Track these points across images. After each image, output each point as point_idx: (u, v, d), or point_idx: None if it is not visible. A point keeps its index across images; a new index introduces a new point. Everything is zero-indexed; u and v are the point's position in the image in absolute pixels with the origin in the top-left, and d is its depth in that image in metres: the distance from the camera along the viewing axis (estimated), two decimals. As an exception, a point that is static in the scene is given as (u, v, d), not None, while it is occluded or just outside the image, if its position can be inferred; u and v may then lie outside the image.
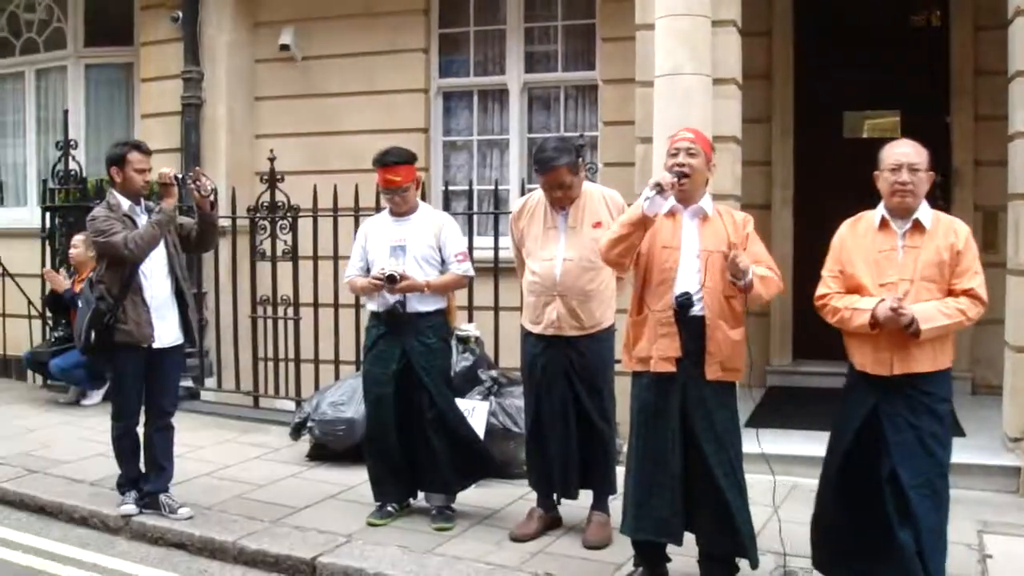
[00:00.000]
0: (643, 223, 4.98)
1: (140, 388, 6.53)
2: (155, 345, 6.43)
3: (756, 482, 5.60)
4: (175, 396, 6.85)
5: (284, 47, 10.97)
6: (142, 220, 6.44)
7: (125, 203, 6.46)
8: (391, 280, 6.19)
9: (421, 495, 6.64)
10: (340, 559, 5.78)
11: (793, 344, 10.22)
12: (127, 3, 12.35)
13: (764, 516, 5.88)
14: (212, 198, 6.60)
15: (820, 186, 9.81)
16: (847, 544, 4.89)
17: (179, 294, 6.59)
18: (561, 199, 5.98)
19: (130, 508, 6.51)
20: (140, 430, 6.58)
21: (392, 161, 6.41)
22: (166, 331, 6.50)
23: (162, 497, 6.54)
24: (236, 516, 6.45)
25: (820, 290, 4.91)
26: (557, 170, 5.90)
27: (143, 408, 6.60)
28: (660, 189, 4.89)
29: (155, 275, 6.46)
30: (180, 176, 6.52)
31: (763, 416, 7.86)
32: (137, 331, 6.33)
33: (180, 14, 11.24)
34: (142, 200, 6.55)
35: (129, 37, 12.52)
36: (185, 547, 6.22)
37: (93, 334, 6.35)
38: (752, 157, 9.24)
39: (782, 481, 6.27)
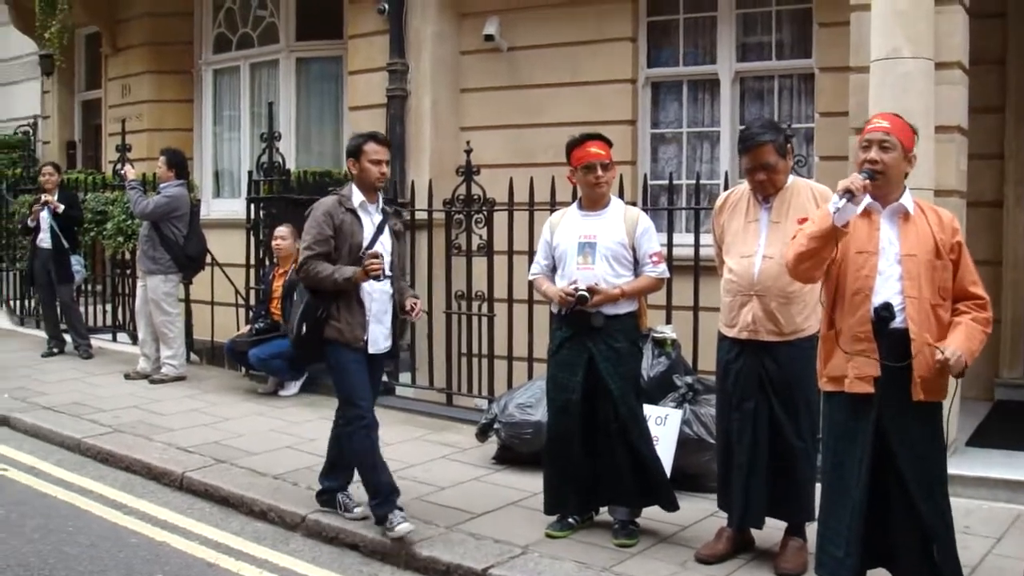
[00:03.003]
0: (834, 235, 4.49)
1: (365, 380, 6.20)
2: (370, 350, 6.17)
3: (974, 509, 5.02)
4: (373, 400, 6.54)
5: (489, 37, 10.82)
6: (371, 220, 6.20)
7: (357, 197, 6.18)
8: (582, 301, 5.83)
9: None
10: (512, 572, 5.48)
11: (1026, 355, 9.37)
12: (337, -2, 12.43)
13: (982, 549, 5.26)
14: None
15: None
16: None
17: (396, 300, 6.33)
18: (764, 183, 5.48)
19: (406, 526, 5.87)
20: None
21: (592, 136, 6.07)
22: (381, 335, 6.25)
23: (339, 495, 6.39)
24: (413, 519, 6.20)
25: None
26: (762, 147, 5.44)
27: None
28: (850, 195, 4.38)
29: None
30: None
31: (988, 435, 7.21)
32: (348, 331, 6.07)
33: (386, 6, 11.26)
34: (379, 198, 6.31)
35: (339, 30, 12.64)
36: (358, 548, 6.06)
37: (305, 327, 6.14)
38: (981, 150, 8.53)
39: (1005, 509, 5.64)
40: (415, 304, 6.36)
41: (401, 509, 6.00)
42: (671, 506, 6.07)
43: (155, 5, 14.70)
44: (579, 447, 6.01)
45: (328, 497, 6.44)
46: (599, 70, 10.36)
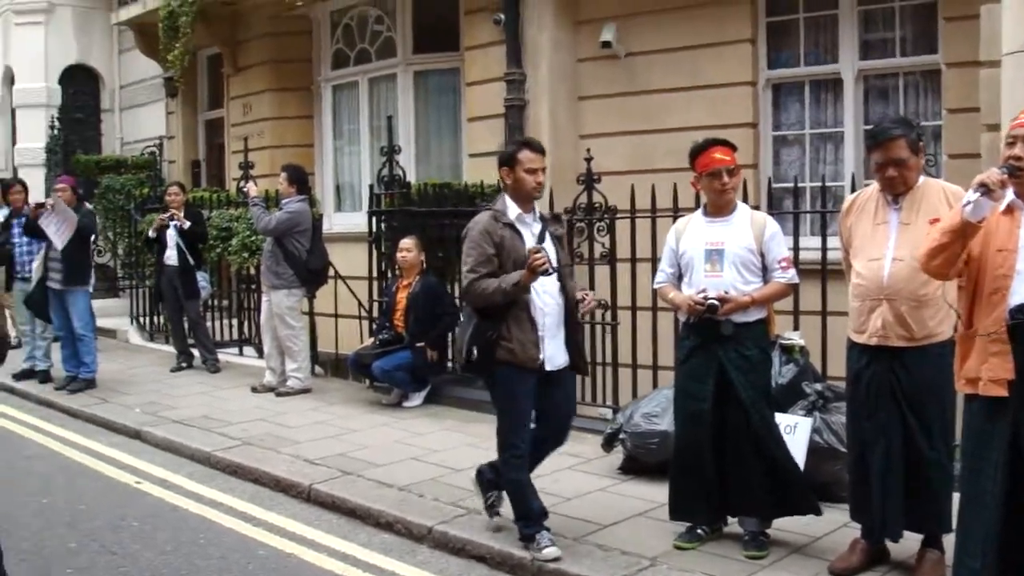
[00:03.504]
0: (964, 230, 4.32)
1: (530, 411, 5.95)
2: (547, 368, 5.87)
3: None
4: (569, 422, 6.33)
5: (606, 44, 10.75)
6: (530, 231, 5.91)
7: (513, 210, 5.89)
8: (712, 310, 5.71)
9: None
10: (641, 585, 5.38)
11: None
12: (453, 9, 12.51)
13: None
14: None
15: None
16: None
17: (569, 310, 6.01)
18: (895, 180, 5.28)
19: (553, 551, 5.73)
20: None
21: (716, 142, 5.94)
22: (558, 351, 5.94)
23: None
24: (539, 531, 6.16)
25: None
26: (894, 141, 5.25)
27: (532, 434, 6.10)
28: (986, 190, 4.19)
29: (546, 290, 5.86)
30: (552, 269, 5.67)
31: None
32: (521, 351, 5.76)
33: (502, 16, 11.26)
34: (536, 208, 6.03)
35: (455, 42, 12.69)
36: (485, 560, 6.00)
37: (475, 350, 5.82)
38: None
39: None
40: (585, 295, 6.12)
41: (548, 530, 5.90)
42: (814, 511, 5.90)
43: (274, 25, 14.95)
44: (708, 457, 5.87)
45: (487, 482, 6.30)
46: (718, 73, 10.22)
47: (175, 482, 7.87)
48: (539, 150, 5.98)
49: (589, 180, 9.04)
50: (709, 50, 10.27)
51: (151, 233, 12.22)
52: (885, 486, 5.29)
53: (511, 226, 5.86)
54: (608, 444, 7.60)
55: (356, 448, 8.34)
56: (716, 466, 5.88)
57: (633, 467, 7.39)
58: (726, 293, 5.73)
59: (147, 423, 9.40)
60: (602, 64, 11.02)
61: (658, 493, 6.61)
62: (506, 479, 6.05)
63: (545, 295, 5.82)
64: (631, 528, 6.27)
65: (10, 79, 19.58)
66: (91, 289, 11.60)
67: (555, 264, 5.75)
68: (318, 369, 11.72)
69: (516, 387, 5.85)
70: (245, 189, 11.37)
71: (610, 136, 10.67)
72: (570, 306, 5.99)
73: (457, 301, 10.21)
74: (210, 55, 17.03)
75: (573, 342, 6.04)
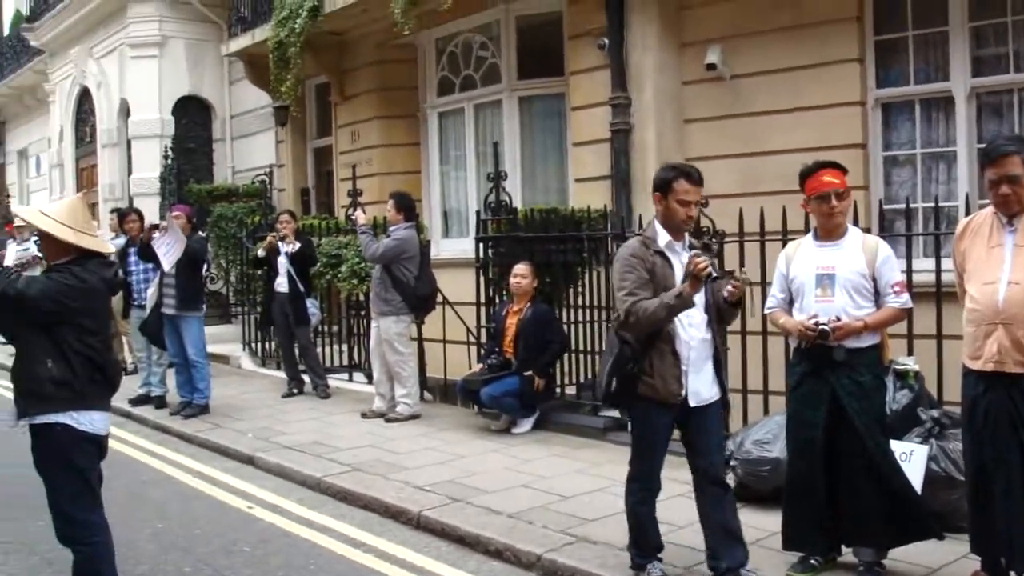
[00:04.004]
0: None
1: (665, 448, 5.80)
2: (691, 403, 5.66)
3: None
4: (721, 456, 6.17)
5: (711, 66, 10.67)
6: (679, 260, 5.62)
7: (663, 237, 5.65)
8: (824, 336, 5.63)
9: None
10: (756, 616, 5.30)
11: None
12: (556, 34, 12.55)
13: None
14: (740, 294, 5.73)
15: None
16: None
17: (715, 344, 5.81)
18: (1009, 199, 5.15)
19: None
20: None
21: (825, 164, 5.88)
22: (703, 385, 5.71)
23: (742, 571, 5.77)
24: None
25: None
26: (1007, 157, 5.14)
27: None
28: None
29: (692, 322, 5.63)
30: (714, 275, 5.47)
31: None
32: (663, 387, 5.55)
33: (606, 41, 11.26)
34: (686, 237, 5.80)
35: (559, 67, 12.73)
36: (595, 590, 5.97)
37: (615, 382, 5.64)
38: None
39: None
40: (734, 284, 5.68)
41: (661, 560, 5.87)
42: (935, 535, 5.77)
43: (380, 53, 15.15)
44: (822, 485, 5.79)
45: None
46: (825, 94, 10.07)
47: (286, 507, 7.98)
48: (697, 181, 5.70)
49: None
50: (816, 70, 10.12)
51: (260, 253, 12.45)
52: (1009, 517, 5.14)
53: (661, 254, 5.65)
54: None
55: (465, 474, 8.37)
56: (829, 494, 5.79)
57: (745, 494, 7.27)
58: (838, 319, 5.64)
59: (259, 448, 9.55)
60: (707, 86, 10.95)
61: (770, 521, 6.52)
62: (630, 507, 5.91)
63: (691, 328, 5.61)
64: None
65: (126, 111, 20.10)
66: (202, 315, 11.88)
67: (715, 273, 5.50)
68: (427, 395, 11.79)
69: (654, 422, 5.70)
70: (354, 217, 11.51)
71: (717, 159, 10.57)
72: (716, 339, 5.82)
73: (565, 328, 10.22)
74: (318, 84, 17.30)
75: (719, 377, 5.82)
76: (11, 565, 6.66)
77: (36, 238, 16.74)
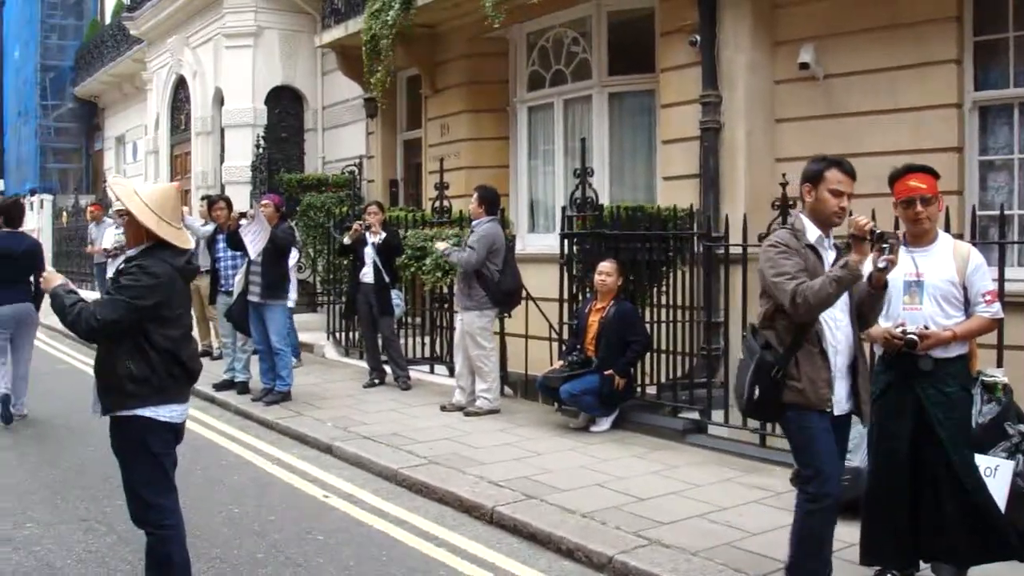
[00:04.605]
0: None
1: (835, 445, 5.37)
2: (835, 412, 5.32)
3: None
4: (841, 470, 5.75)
5: (803, 65, 10.52)
6: (829, 256, 5.41)
7: (812, 231, 5.39)
8: (911, 345, 5.47)
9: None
10: (830, 629, 5.18)
11: None
12: (648, 30, 12.46)
13: None
14: None
15: None
16: None
17: (857, 350, 5.46)
18: None
19: None
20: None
21: (915, 168, 5.66)
22: (844, 393, 5.39)
23: None
24: (721, 566, 6.00)
25: None
26: None
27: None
28: None
29: (839, 323, 5.36)
30: (876, 231, 5.11)
31: None
32: (812, 392, 5.23)
33: (698, 38, 11.16)
34: (831, 232, 5.50)
35: (650, 64, 12.64)
36: (664, 595, 5.89)
37: (757, 390, 5.31)
38: None
39: None
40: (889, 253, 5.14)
41: None
42: (1018, 557, 5.54)
43: (471, 47, 15.17)
44: (903, 498, 5.62)
45: None
46: (921, 95, 9.86)
47: (361, 497, 8.00)
48: (850, 172, 5.42)
49: (784, 205, 8.84)
50: (911, 71, 9.91)
51: (346, 241, 12.52)
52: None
53: (812, 248, 5.36)
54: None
55: (541, 471, 8.32)
56: (911, 508, 5.63)
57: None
58: (925, 327, 5.49)
59: (338, 438, 9.60)
60: (800, 86, 10.78)
61: (848, 532, 6.34)
62: (809, 532, 5.40)
63: (838, 331, 5.34)
64: (819, 568, 6.04)
65: (220, 100, 20.36)
66: (291, 304, 11.98)
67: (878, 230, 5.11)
68: (507, 390, 11.77)
69: (813, 424, 5.28)
70: (441, 249, 11.32)
71: (806, 160, 10.37)
72: (859, 346, 5.50)
73: (648, 328, 10.12)
74: (409, 76, 17.37)
75: (858, 385, 5.45)
76: (90, 542, 6.78)
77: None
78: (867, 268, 5.25)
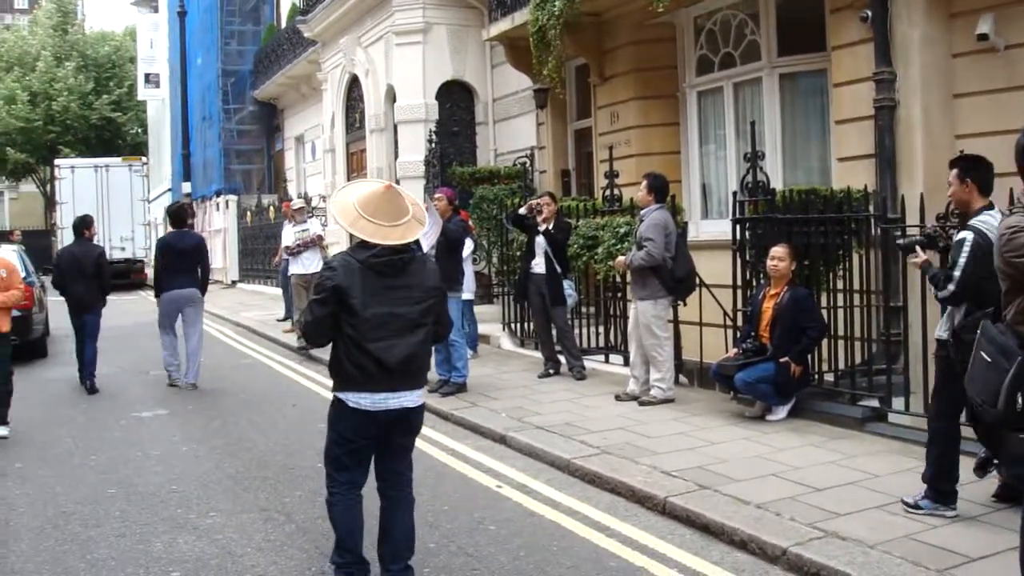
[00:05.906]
0: None
1: None
2: None
3: None
4: None
5: (982, 37, 10.08)
6: None
7: None
8: None
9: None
10: (1015, 626, 4.96)
11: None
12: (817, 8, 12.14)
13: None
14: None
15: None
16: None
17: None
18: None
19: None
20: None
21: None
22: None
23: None
24: (899, 559, 5.82)
25: None
26: None
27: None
28: None
29: None
30: None
31: None
32: None
33: (869, 13, 10.83)
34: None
35: (821, 43, 12.33)
36: (841, 589, 5.74)
37: (1021, 398, 4.76)
38: None
39: None
40: None
41: None
42: None
43: (638, 33, 15.04)
44: None
45: None
46: (1113, 64, 9.39)
47: (534, 488, 8.05)
48: None
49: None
50: (1103, 38, 9.44)
51: (521, 211, 12.64)
52: None
53: None
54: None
55: (714, 461, 8.21)
56: None
57: (1010, 495, 6.85)
58: None
59: (512, 428, 9.67)
60: (979, 59, 10.34)
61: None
62: None
63: None
64: (1001, 564, 5.78)
65: (392, 97, 20.73)
66: (470, 296, 12.13)
67: None
68: (682, 379, 11.65)
69: None
70: (622, 263, 11.22)
71: (989, 136, 9.95)
72: None
73: (824, 313, 9.88)
74: (577, 66, 17.34)
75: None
76: (269, 531, 7.02)
77: (311, 219, 17.66)
78: None
